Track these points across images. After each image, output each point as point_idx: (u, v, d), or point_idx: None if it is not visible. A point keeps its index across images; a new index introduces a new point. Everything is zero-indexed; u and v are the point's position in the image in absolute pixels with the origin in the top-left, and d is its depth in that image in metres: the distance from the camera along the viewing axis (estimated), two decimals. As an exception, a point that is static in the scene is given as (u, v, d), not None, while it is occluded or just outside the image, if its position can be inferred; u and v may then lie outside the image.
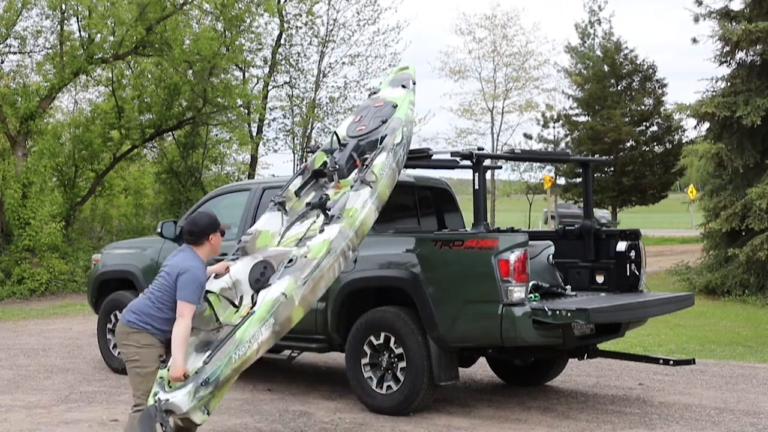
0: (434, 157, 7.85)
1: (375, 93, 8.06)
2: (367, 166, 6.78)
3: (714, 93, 18.21)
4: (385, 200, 6.74)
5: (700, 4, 18.89)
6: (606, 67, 34.49)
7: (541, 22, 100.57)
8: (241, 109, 23.18)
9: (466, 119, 39.73)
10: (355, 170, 6.95)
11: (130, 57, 20.80)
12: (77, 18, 19.52)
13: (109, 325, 9.57)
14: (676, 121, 32.19)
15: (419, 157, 7.72)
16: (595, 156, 28.18)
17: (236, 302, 5.96)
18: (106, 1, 18.61)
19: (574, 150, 33.11)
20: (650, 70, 34.29)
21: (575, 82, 35.67)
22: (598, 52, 35.82)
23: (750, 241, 16.12)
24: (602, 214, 43.78)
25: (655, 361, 8.11)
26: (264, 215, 6.95)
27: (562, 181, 36.69)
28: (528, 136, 39.42)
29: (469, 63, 41.41)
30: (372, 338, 7.42)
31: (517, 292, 6.69)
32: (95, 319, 10.04)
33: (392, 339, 7.30)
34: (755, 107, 16.50)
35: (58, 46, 19.64)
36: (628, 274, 7.97)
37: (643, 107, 33.82)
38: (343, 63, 27.21)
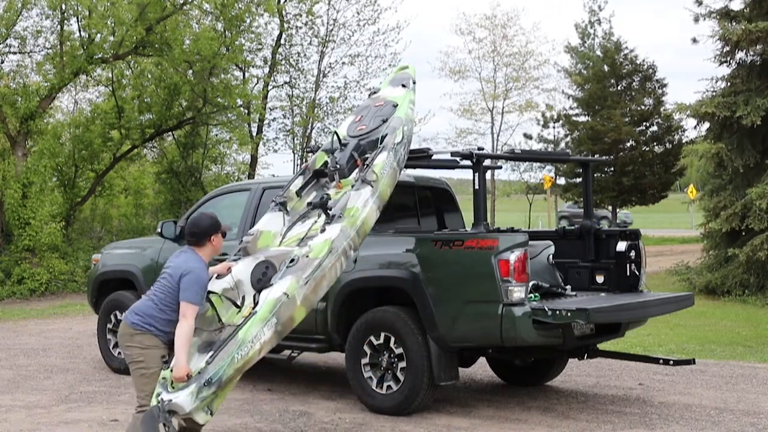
0: (434, 157, 7.85)
1: (375, 93, 8.06)
2: (367, 165, 6.78)
3: (714, 93, 18.20)
4: (387, 199, 6.75)
5: (700, 4, 18.89)
6: (606, 67, 34.43)
7: (541, 22, 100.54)
8: (241, 109, 23.18)
9: (466, 119, 39.79)
10: (356, 170, 6.95)
11: (130, 57, 20.80)
12: (77, 18, 19.53)
13: (109, 325, 9.57)
14: (676, 121, 32.15)
15: (419, 157, 7.73)
16: (595, 156, 28.16)
17: (238, 302, 5.97)
18: (106, 1, 18.60)
19: (574, 150, 33.07)
20: (650, 70, 34.24)
21: (575, 82, 35.63)
22: (598, 52, 35.77)
23: (750, 241, 16.11)
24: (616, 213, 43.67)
25: (655, 361, 8.11)
26: (265, 215, 6.96)
27: (562, 181, 36.65)
28: (528, 136, 39.43)
29: (469, 63, 41.53)
30: (372, 338, 7.42)
31: (517, 292, 6.69)
32: (95, 319, 10.04)
33: (392, 339, 7.30)
34: (755, 107, 16.50)
35: (58, 46, 19.64)
36: (628, 274, 7.97)
37: (643, 107, 33.77)
38: (343, 63, 27.24)
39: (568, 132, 36.30)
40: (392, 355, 7.32)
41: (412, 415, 7.24)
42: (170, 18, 19.77)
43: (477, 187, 7.31)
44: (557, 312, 6.64)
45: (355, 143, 7.19)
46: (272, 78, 25.71)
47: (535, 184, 40.14)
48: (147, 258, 9.42)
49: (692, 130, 30.51)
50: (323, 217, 6.49)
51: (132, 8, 18.60)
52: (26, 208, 18.35)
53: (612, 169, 32.76)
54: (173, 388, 5.33)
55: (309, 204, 6.84)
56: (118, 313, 9.49)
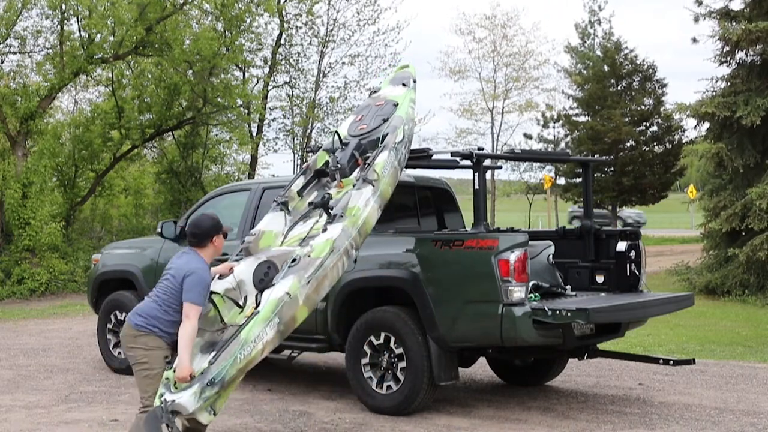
0: (434, 157, 7.85)
1: (376, 92, 8.07)
2: (368, 164, 6.79)
3: (714, 93, 18.21)
4: (388, 198, 6.76)
5: (700, 4, 18.89)
6: (606, 67, 34.45)
7: (541, 22, 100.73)
8: (241, 109, 23.18)
9: (466, 119, 39.77)
10: (357, 169, 6.96)
11: (130, 57, 20.80)
12: (77, 18, 19.53)
13: (109, 325, 9.57)
14: (676, 121, 32.16)
15: (419, 157, 7.73)
16: (595, 156, 28.16)
17: (240, 302, 5.98)
18: (106, 1, 18.60)
19: (574, 150, 33.08)
20: (650, 70, 34.26)
21: (575, 82, 35.65)
22: (598, 52, 35.79)
23: (750, 241, 16.11)
24: (629, 213, 43.63)
25: (655, 361, 8.11)
26: (267, 215, 6.96)
27: (562, 181, 36.66)
28: (528, 136, 39.43)
29: (469, 63, 41.51)
30: (372, 338, 7.42)
31: (517, 292, 6.69)
32: (95, 319, 10.04)
33: (392, 339, 7.30)
34: (755, 107, 16.50)
35: (58, 46, 19.64)
36: (628, 274, 7.97)
37: (643, 107, 33.79)
38: (343, 63, 27.24)
39: (568, 132, 36.32)
40: (392, 355, 7.32)
41: (412, 415, 7.24)
42: (170, 18, 19.77)
43: (477, 187, 7.31)
44: (557, 312, 6.64)
45: (356, 142, 7.20)
46: (272, 78, 25.72)
47: (535, 184, 40.13)
48: (147, 258, 9.42)
49: (692, 130, 30.53)
50: (325, 216, 6.49)
51: (132, 8, 18.60)
52: (26, 208, 18.35)
53: (612, 169, 32.76)
54: (176, 388, 5.34)
55: (310, 204, 6.84)
56: (118, 313, 9.49)
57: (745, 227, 16.64)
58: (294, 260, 5.98)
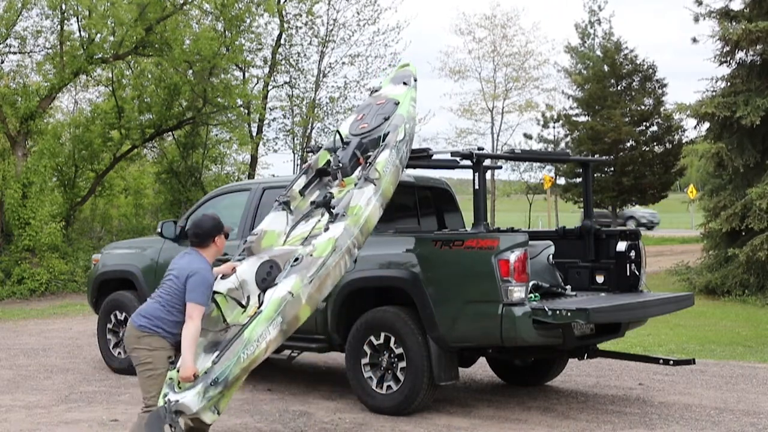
0: (434, 157, 7.85)
1: (377, 91, 8.07)
2: (370, 163, 6.80)
3: (714, 93, 18.20)
4: (390, 197, 6.77)
5: (700, 3, 18.88)
6: (606, 67, 34.47)
7: (540, 22, 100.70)
8: (241, 109, 23.18)
9: (466, 119, 39.78)
10: (359, 168, 6.96)
11: (130, 57, 20.80)
12: (77, 18, 19.52)
13: (109, 325, 9.57)
14: (676, 121, 32.18)
15: (419, 157, 7.73)
16: (595, 156, 28.17)
17: (243, 302, 5.99)
18: (106, 1, 18.60)
19: (574, 150, 33.09)
20: (650, 70, 34.27)
21: (575, 82, 35.66)
22: (598, 52, 35.80)
23: (750, 241, 16.11)
24: (643, 213, 43.60)
25: (655, 361, 8.11)
26: (269, 215, 6.96)
27: (562, 181, 36.67)
28: (528, 136, 39.43)
29: (469, 63, 41.51)
30: (372, 338, 7.42)
31: (517, 292, 6.69)
32: (95, 319, 10.04)
33: (392, 339, 7.30)
34: (755, 107, 16.50)
35: (58, 46, 19.64)
36: (628, 274, 7.97)
37: (643, 107, 33.80)
38: (343, 63, 27.25)
39: (568, 132, 36.33)
40: (392, 355, 7.32)
41: (412, 415, 7.24)
42: (170, 18, 19.77)
43: (477, 187, 7.31)
44: (557, 312, 6.64)
45: (358, 141, 7.20)
46: (272, 78, 25.72)
47: (535, 184, 40.13)
48: (147, 258, 9.42)
49: (692, 130, 30.52)
50: (327, 215, 6.50)
51: (132, 8, 18.59)
52: (26, 208, 18.35)
53: (612, 169, 32.78)
54: (180, 388, 5.35)
55: (312, 203, 6.85)
56: (118, 313, 9.50)
57: (745, 227, 16.63)
58: (296, 259, 5.99)
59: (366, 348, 7.45)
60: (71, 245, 20.27)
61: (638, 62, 34.31)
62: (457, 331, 7.00)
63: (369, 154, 7.03)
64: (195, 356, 5.41)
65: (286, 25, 25.29)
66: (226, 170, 26.19)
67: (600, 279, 8.08)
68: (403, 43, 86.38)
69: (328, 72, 27.19)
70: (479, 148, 7.43)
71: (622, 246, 8.00)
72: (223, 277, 6.09)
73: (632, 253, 7.99)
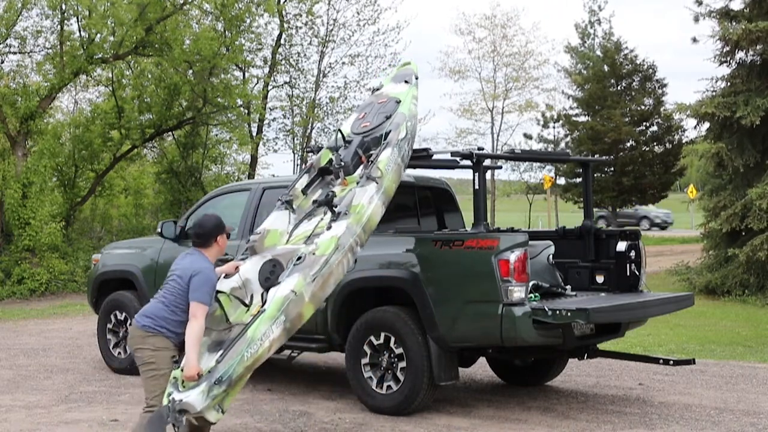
0: (434, 157, 7.85)
1: (378, 90, 8.08)
2: (372, 162, 6.80)
3: (714, 93, 18.20)
4: (392, 195, 6.78)
5: (700, 3, 18.87)
6: (606, 67, 34.50)
7: (540, 22, 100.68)
8: (241, 109, 23.18)
9: (466, 119, 39.80)
10: (361, 167, 6.97)
11: (130, 57, 20.80)
12: (77, 18, 19.52)
13: (109, 325, 9.57)
14: (676, 121, 32.21)
15: (419, 157, 7.73)
16: (595, 156, 28.17)
17: (247, 301, 6.00)
18: (106, 1, 18.60)
19: (574, 150, 33.10)
20: (650, 70, 34.30)
21: (575, 82, 35.68)
22: (598, 52, 35.83)
23: (750, 241, 16.11)
24: (657, 213, 43.56)
25: (655, 361, 8.11)
26: (272, 214, 6.98)
27: (562, 181, 36.69)
28: (528, 136, 39.46)
29: (469, 63, 41.52)
30: (372, 338, 7.42)
31: (517, 292, 6.69)
32: (95, 319, 10.04)
33: (392, 339, 7.30)
34: (755, 107, 16.49)
35: (58, 46, 19.64)
36: (628, 274, 7.97)
37: (643, 107, 33.83)
38: (343, 63, 27.26)
39: (568, 132, 36.36)
40: (392, 355, 7.32)
41: (412, 415, 7.24)
42: (170, 18, 19.77)
43: (477, 187, 7.31)
44: (557, 312, 6.63)
45: (360, 140, 7.21)
46: (272, 78, 25.72)
47: (535, 184, 40.14)
48: (147, 258, 9.42)
49: (692, 130, 30.53)
50: (329, 214, 6.51)
51: (132, 8, 18.59)
52: (26, 208, 18.34)
53: (612, 169, 32.80)
54: (184, 387, 5.37)
55: (315, 202, 6.86)
56: (118, 313, 9.49)
57: (745, 227, 16.63)
58: (299, 258, 6.01)
59: (366, 348, 7.45)
60: (71, 245, 20.27)
61: (638, 62, 34.34)
62: (457, 331, 7.00)
63: (371, 152, 7.04)
64: (199, 355, 5.42)
65: (286, 25, 25.30)
66: (226, 170, 26.20)
67: (600, 279, 8.08)
68: (403, 43, 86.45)
69: (328, 72, 27.23)
70: (479, 148, 7.43)
71: (622, 246, 8.00)
72: (227, 276, 6.12)
73: (632, 253, 7.98)
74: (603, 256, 8.11)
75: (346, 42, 27.15)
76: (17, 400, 8.03)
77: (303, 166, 7.77)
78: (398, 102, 7.51)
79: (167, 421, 5.29)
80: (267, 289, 5.94)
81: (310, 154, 8.08)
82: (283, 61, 26.01)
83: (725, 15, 18.30)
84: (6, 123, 19.01)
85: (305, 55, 26.47)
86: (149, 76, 22.41)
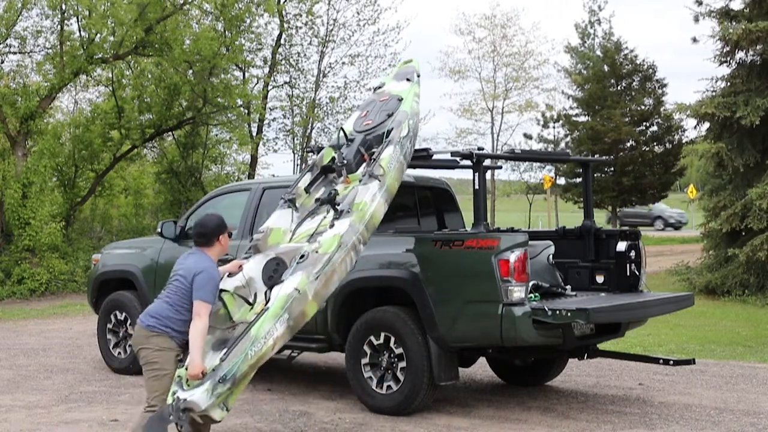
0: (434, 157, 7.86)
1: (380, 87, 8.08)
2: (374, 160, 6.81)
3: (714, 93, 18.19)
4: (394, 193, 6.79)
5: (701, 3, 18.86)
6: (606, 67, 34.43)
7: (540, 22, 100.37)
8: (241, 109, 23.18)
9: (466, 119, 39.80)
10: (363, 164, 6.98)
11: (130, 57, 20.80)
12: (77, 18, 19.52)
13: (109, 325, 9.57)
14: (676, 121, 32.16)
15: (419, 157, 7.73)
16: (595, 156, 28.16)
17: (250, 300, 6.02)
18: (106, 1, 18.60)
19: (574, 150, 33.07)
20: (650, 70, 34.24)
21: (575, 82, 35.63)
22: (598, 52, 35.78)
23: (750, 241, 16.11)
24: (671, 213, 43.48)
25: (655, 361, 8.11)
26: (275, 212, 6.99)
27: (562, 181, 36.65)
28: (528, 136, 39.41)
29: (469, 63, 41.49)
30: (372, 338, 7.42)
31: (517, 292, 6.69)
32: (95, 319, 10.04)
33: (392, 339, 7.30)
34: (755, 107, 16.49)
35: (58, 46, 19.63)
36: (628, 274, 7.97)
37: (643, 107, 33.77)
38: (343, 63, 27.26)
39: (568, 132, 36.30)
40: (392, 355, 7.32)
41: (412, 415, 7.24)
42: (170, 18, 19.77)
43: (477, 187, 7.31)
44: (557, 312, 6.63)
45: (362, 138, 7.23)
46: (272, 78, 25.72)
47: (535, 184, 40.12)
48: (147, 258, 9.42)
49: (692, 130, 30.51)
50: (332, 212, 6.52)
51: (132, 8, 18.59)
52: (26, 208, 18.34)
53: (612, 169, 32.75)
54: (189, 386, 5.39)
55: (317, 200, 6.87)
56: (118, 313, 9.49)
57: (745, 227, 16.63)
58: (302, 256, 6.03)
59: (366, 348, 7.45)
60: (71, 245, 20.27)
61: (638, 62, 34.28)
62: (457, 331, 7.00)
63: (373, 150, 7.05)
64: (203, 354, 5.44)
65: (286, 25, 25.30)
66: (226, 170, 26.21)
67: (600, 279, 8.08)
68: (403, 43, 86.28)
69: (328, 72, 27.22)
70: (479, 148, 7.43)
71: (622, 246, 8.00)
72: (230, 275, 6.13)
73: (632, 253, 7.99)
74: (603, 256, 8.11)
75: (346, 42, 27.18)
76: (17, 400, 8.03)
77: (303, 166, 7.77)
78: (400, 100, 7.52)
79: (170, 420, 5.30)
80: (270, 288, 5.97)
81: (310, 154, 8.08)
82: (283, 61, 26.01)
83: (725, 15, 18.29)
84: (6, 123, 19.01)
85: (305, 55, 26.50)
86: (149, 76, 22.41)
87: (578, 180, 32.64)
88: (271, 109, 26.47)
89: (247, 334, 5.53)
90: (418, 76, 7.94)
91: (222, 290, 5.91)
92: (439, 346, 7.09)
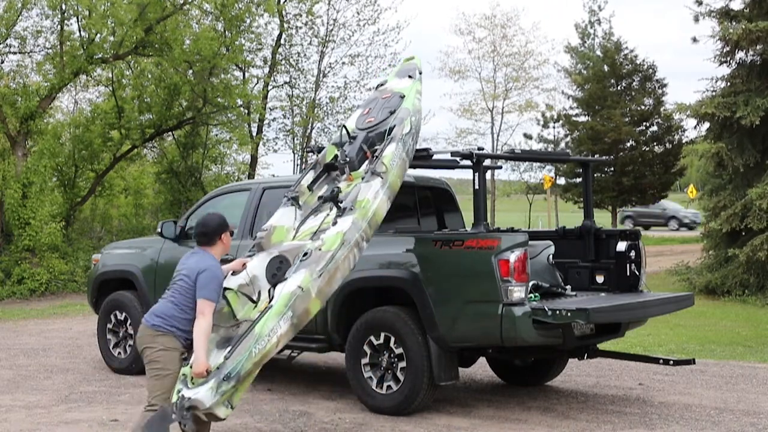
0: (434, 157, 7.86)
1: (382, 85, 8.09)
2: (377, 157, 6.83)
3: (714, 93, 18.19)
4: (397, 190, 6.81)
5: (701, 3, 18.85)
6: (606, 67, 34.42)
7: (540, 22, 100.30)
8: (241, 109, 23.17)
9: (466, 119, 39.77)
10: (366, 162, 6.99)
11: (130, 57, 20.79)
12: (77, 18, 19.51)
13: (109, 325, 9.57)
14: (676, 121, 32.15)
15: (419, 157, 7.73)
16: (595, 156, 28.15)
17: (254, 298, 6.04)
18: (106, 1, 18.59)
19: (574, 150, 33.06)
20: (650, 70, 34.23)
21: (575, 82, 35.62)
22: (598, 52, 35.76)
23: (750, 241, 16.11)
24: (685, 213, 43.44)
25: (655, 361, 8.11)
26: (278, 210, 7.00)
27: (562, 181, 36.64)
28: (528, 136, 39.39)
29: (469, 63, 41.44)
30: (372, 338, 7.42)
31: (517, 292, 6.69)
32: (95, 319, 10.04)
33: (392, 339, 7.30)
34: (755, 107, 16.49)
35: (58, 46, 19.62)
36: (628, 274, 7.97)
37: (643, 107, 33.76)
38: (343, 63, 27.26)
39: (568, 132, 36.29)
40: (392, 355, 7.32)
41: (412, 415, 7.24)
42: (170, 18, 19.76)
43: (477, 187, 7.31)
44: (557, 312, 6.64)
45: (364, 135, 7.24)
46: (272, 78, 25.72)
47: (535, 184, 40.10)
48: (147, 258, 9.42)
49: (692, 130, 30.48)
50: (335, 210, 6.53)
51: (132, 8, 18.58)
52: (26, 208, 18.34)
53: (612, 169, 32.74)
54: (193, 384, 5.40)
55: (320, 198, 6.88)
56: (118, 313, 9.49)
57: (745, 227, 16.62)
58: (305, 254, 6.04)
59: (366, 348, 7.45)
60: (71, 245, 20.27)
61: (638, 62, 34.27)
62: (457, 331, 7.00)
63: (376, 147, 7.06)
64: (207, 352, 5.45)
65: (286, 25, 25.29)
66: (226, 170, 26.19)
67: (600, 279, 8.08)
68: (403, 43, 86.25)
69: (328, 72, 27.22)
70: (479, 148, 7.43)
71: (622, 246, 8.01)
72: (234, 273, 6.15)
73: (632, 253, 7.99)
74: (603, 256, 8.11)
75: (346, 42, 27.17)
76: (17, 400, 8.03)
77: (303, 166, 7.78)
78: (402, 97, 7.53)
79: (173, 419, 5.30)
80: (274, 286, 5.99)
81: (310, 154, 8.08)
82: (283, 61, 26.01)
83: (725, 15, 18.29)
84: (6, 123, 19.00)
85: (305, 55, 26.49)
86: (149, 76, 22.40)
87: (578, 180, 32.63)
88: (271, 109, 26.50)
89: (251, 332, 5.55)
90: (420, 73, 7.96)
91: (226, 288, 5.93)
92: (439, 346, 7.09)
